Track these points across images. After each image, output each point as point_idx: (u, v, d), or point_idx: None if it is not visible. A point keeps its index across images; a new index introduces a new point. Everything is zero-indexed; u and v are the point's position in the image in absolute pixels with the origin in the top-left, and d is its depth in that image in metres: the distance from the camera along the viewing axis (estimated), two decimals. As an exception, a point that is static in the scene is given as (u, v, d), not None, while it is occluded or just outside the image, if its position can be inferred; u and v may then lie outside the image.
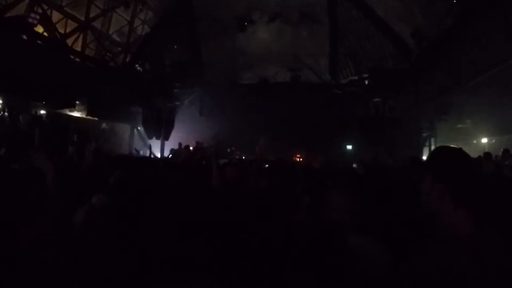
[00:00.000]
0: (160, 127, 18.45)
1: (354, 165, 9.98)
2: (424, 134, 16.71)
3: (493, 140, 15.98)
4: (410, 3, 15.49)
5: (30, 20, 12.87)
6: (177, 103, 19.52)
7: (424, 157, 15.52)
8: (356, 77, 18.05)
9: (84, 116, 16.50)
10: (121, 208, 2.43)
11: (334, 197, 2.17)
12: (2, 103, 13.25)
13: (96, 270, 1.89)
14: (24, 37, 13.24)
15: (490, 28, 10.44)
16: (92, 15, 16.32)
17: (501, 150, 10.68)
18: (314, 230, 2.18)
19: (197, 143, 16.09)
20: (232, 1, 18.56)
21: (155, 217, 2.14)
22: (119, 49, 18.57)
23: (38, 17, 13.16)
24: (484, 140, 15.91)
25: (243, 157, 16.02)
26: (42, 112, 14.62)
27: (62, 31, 15.05)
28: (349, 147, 17.76)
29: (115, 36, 18.42)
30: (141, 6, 18.39)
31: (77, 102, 15.45)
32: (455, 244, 1.36)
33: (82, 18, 16.04)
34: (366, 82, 17.91)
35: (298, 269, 1.75)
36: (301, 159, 15.35)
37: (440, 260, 1.36)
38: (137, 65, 18.40)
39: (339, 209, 2.09)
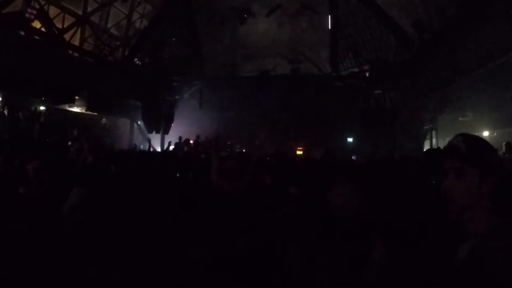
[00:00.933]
0: (160, 121, 18.40)
1: (353, 157, 9.96)
2: (426, 127, 16.60)
3: (495, 134, 15.91)
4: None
5: (27, 15, 12.77)
6: (177, 96, 19.46)
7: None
8: (356, 69, 17.90)
9: (83, 111, 16.45)
10: (115, 201, 2.39)
11: (332, 188, 2.11)
12: (2, 99, 13.21)
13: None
14: (22, 33, 13.15)
15: (493, 20, 10.31)
16: (89, 9, 16.22)
17: (503, 143, 10.61)
18: (307, 222, 2.14)
19: (198, 137, 16.07)
20: (231, -8, 18.48)
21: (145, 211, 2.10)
22: (118, 43, 18.48)
23: (35, 12, 13.06)
24: (486, 134, 15.83)
25: (243, 150, 16.00)
26: (42, 108, 14.59)
27: (59, 26, 14.94)
28: (350, 139, 17.68)
29: (113, 30, 18.33)
30: (139, 0, 18.29)
31: (77, 97, 15.38)
32: (485, 238, 1.27)
33: (80, 13, 15.94)
34: (367, 74, 17.79)
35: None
36: (302, 151, 15.36)
37: (471, 254, 1.27)
38: (136, 59, 18.27)
39: (337, 201, 2.03)
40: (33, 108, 14.08)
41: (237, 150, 16.32)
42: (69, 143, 8.79)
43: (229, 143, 16.94)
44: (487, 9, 10.53)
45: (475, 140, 1.43)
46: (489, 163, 1.36)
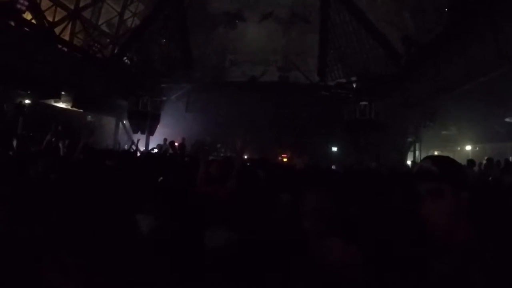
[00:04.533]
0: (146, 122, 18.28)
1: (333, 167, 10.04)
2: (409, 139, 16.83)
3: (477, 148, 16.22)
4: (402, 9, 15.60)
5: (19, 6, 12.61)
6: (164, 98, 19.39)
7: (409, 162, 15.70)
8: (344, 80, 18.09)
9: (69, 107, 16.26)
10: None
11: (307, 197, 2.13)
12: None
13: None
14: (12, 23, 12.98)
15: (478, 38, 10.57)
16: (82, 4, 16.11)
17: (485, 158, 10.84)
18: (290, 229, 2.17)
19: (184, 139, 15.99)
20: (224, -2, 18.59)
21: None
22: (108, 40, 18.37)
23: (27, 3, 12.90)
24: (468, 148, 16.14)
25: (228, 155, 15.99)
26: (27, 101, 14.37)
27: (50, 19, 14.81)
28: (334, 149, 17.84)
29: (104, 27, 18.22)
30: (132, -2, 18.27)
31: (63, 93, 15.21)
32: (464, 255, 1.30)
33: (72, 7, 15.82)
34: (354, 85, 17.98)
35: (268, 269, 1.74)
36: (286, 159, 15.42)
37: (450, 272, 1.30)
38: (125, 58, 18.17)
39: (312, 210, 2.05)
40: (18, 101, 13.88)
41: (222, 155, 16.33)
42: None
43: (217, 146, 16.94)
44: (472, 29, 10.80)
45: (445, 160, 1.47)
46: (461, 180, 1.40)
